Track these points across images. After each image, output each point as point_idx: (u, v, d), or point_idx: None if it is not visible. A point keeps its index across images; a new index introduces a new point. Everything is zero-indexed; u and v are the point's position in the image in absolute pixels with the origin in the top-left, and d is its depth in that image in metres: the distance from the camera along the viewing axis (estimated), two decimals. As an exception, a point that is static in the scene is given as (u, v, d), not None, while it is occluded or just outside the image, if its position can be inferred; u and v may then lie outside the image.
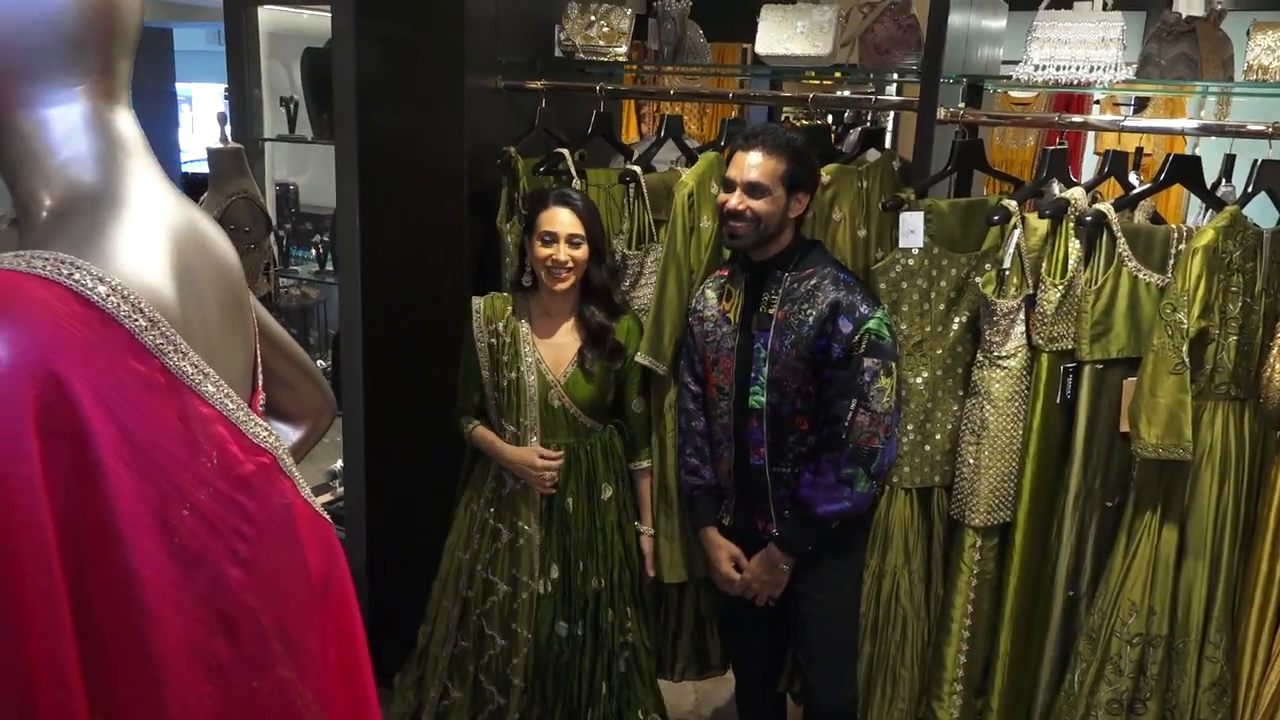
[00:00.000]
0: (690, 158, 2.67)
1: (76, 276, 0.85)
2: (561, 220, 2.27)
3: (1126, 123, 2.20)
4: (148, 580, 0.87)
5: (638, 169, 2.51)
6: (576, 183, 2.52)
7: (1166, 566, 2.11)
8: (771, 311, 2.16)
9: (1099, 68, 2.17)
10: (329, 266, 3.18)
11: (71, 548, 0.83)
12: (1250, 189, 2.08)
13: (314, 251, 3.30)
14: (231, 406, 0.97)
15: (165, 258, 0.93)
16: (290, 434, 1.34)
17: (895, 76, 2.95)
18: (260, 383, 1.15)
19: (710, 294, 2.30)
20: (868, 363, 2.07)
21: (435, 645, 2.51)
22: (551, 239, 2.27)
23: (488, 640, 2.42)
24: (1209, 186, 2.24)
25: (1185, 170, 2.14)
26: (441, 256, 2.68)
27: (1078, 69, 2.19)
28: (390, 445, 2.88)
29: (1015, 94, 4.22)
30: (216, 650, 0.95)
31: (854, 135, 2.84)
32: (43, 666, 0.79)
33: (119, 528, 0.86)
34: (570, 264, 2.27)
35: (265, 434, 1.01)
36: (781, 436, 2.18)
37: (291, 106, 3.09)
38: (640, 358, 2.37)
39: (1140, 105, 3.44)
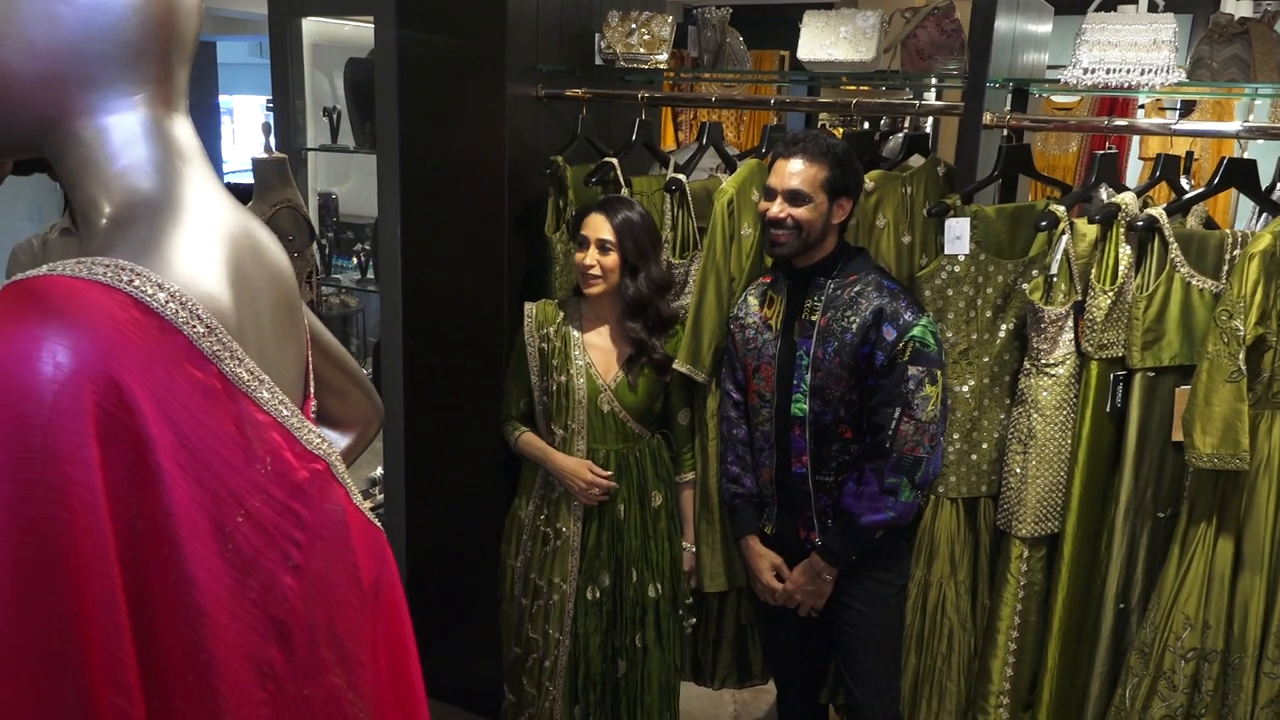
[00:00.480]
0: (730, 165, 2.66)
1: (137, 283, 0.85)
2: (595, 225, 2.29)
3: (1176, 126, 2.15)
4: (204, 586, 0.87)
5: (682, 177, 2.50)
6: (625, 192, 2.51)
7: (1222, 580, 2.06)
8: (814, 318, 2.14)
9: (1150, 70, 2.13)
10: (370, 275, 3.20)
11: (129, 553, 0.83)
12: (1308, 193, 2.03)
13: (355, 260, 3.32)
14: (286, 413, 0.97)
15: (222, 264, 0.93)
16: (339, 441, 1.34)
17: (934, 81, 2.92)
18: (312, 389, 1.15)
19: (753, 300, 2.29)
20: (912, 370, 2.05)
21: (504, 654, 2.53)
22: (584, 243, 2.30)
23: (532, 643, 2.43)
24: (1263, 190, 2.18)
25: (1240, 174, 2.09)
26: (482, 265, 2.68)
27: (1128, 72, 2.15)
28: (430, 453, 2.88)
29: (1058, 99, 4.16)
30: (270, 657, 0.95)
31: (896, 141, 2.81)
32: (103, 671, 0.79)
33: (176, 533, 0.86)
34: (597, 270, 2.27)
35: (318, 440, 1.01)
36: (824, 445, 2.16)
37: (334, 116, 3.12)
38: (678, 365, 2.35)
39: (1187, 109, 3.38)
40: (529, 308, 2.42)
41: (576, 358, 2.34)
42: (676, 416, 2.45)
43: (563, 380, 2.34)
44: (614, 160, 2.53)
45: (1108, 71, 2.17)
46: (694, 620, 2.54)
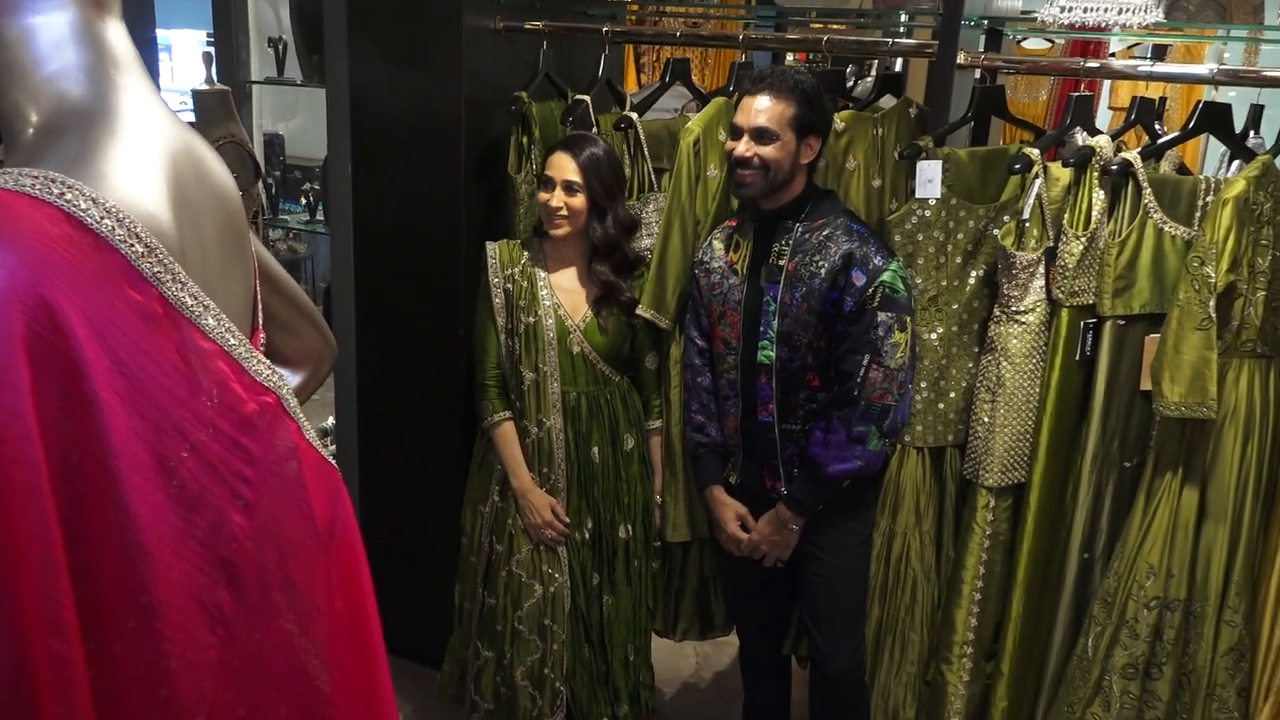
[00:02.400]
0: (701, 99, 2.61)
1: (69, 197, 0.80)
2: (561, 165, 2.25)
3: (1154, 69, 2.15)
4: (146, 523, 0.84)
5: (634, 115, 2.46)
6: (595, 130, 2.46)
7: (1186, 529, 2.09)
8: (781, 263, 2.12)
9: (1127, 10, 2.12)
10: (319, 217, 3.13)
11: (65, 486, 0.79)
12: (1284, 138, 2.04)
13: (303, 201, 3.24)
14: (233, 342, 0.93)
15: (162, 181, 0.89)
16: (290, 379, 1.30)
17: (905, 19, 2.90)
18: (260, 321, 1.11)
19: (718, 244, 2.26)
20: (881, 316, 2.04)
21: (467, 602, 2.51)
22: (549, 183, 2.26)
23: (525, 589, 2.38)
24: (1237, 135, 2.19)
25: (1215, 118, 2.10)
26: (438, 206, 2.62)
27: (1105, 11, 2.13)
28: (385, 403, 2.84)
29: (1028, 46, 4.16)
30: (219, 600, 0.92)
31: (869, 81, 2.78)
32: (36, 609, 0.75)
33: (115, 466, 0.82)
34: (564, 211, 2.25)
35: (268, 372, 0.97)
36: (791, 393, 2.15)
37: (280, 48, 3.02)
38: (642, 311, 2.33)
39: (1158, 55, 3.39)
40: (491, 248, 2.38)
41: (544, 298, 2.32)
42: (644, 362, 2.44)
43: (530, 321, 2.32)
44: (587, 98, 2.47)
45: (1085, 10, 2.15)
46: (659, 563, 2.55)
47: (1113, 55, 3.96)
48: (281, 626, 1.00)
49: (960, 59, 2.25)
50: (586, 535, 2.40)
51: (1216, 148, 2.25)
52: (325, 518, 1.04)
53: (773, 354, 2.13)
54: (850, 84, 3.08)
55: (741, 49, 2.62)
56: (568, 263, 2.36)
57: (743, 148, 2.09)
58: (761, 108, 2.07)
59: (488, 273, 2.37)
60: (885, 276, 2.05)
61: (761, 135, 2.07)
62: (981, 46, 2.45)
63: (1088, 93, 2.35)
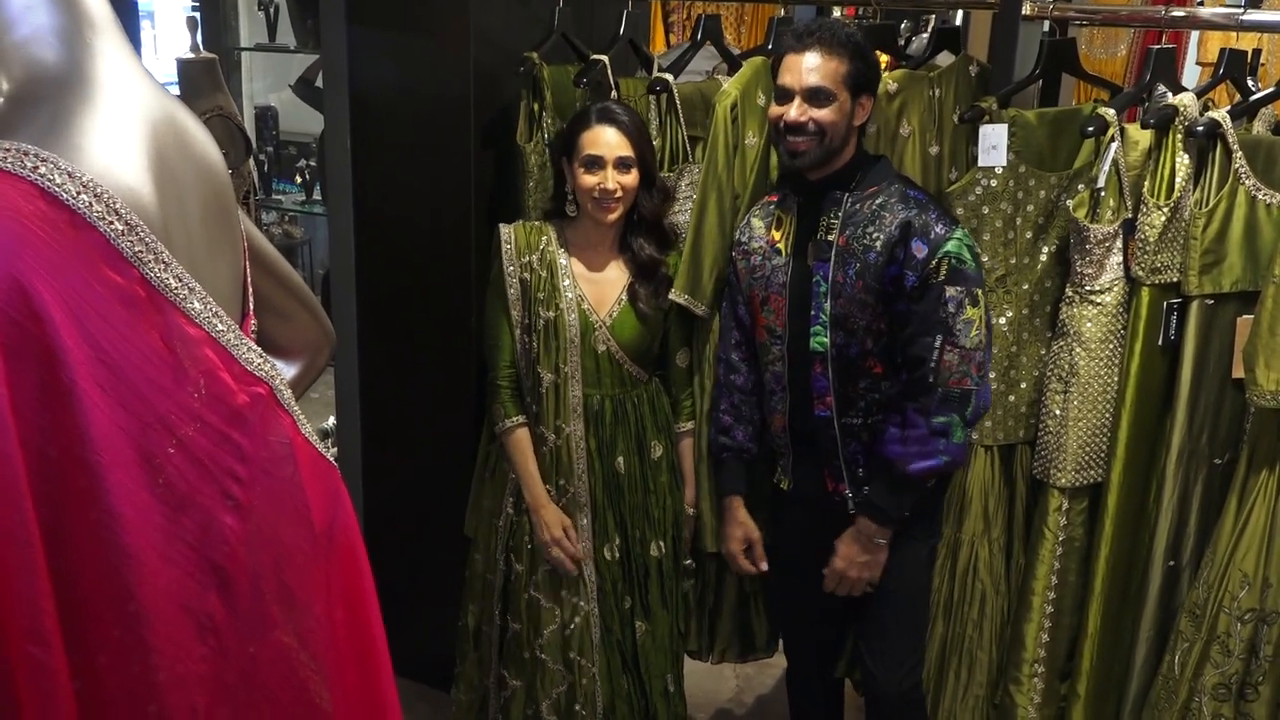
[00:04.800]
0: (733, 63, 2.61)
1: (43, 170, 0.82)
2: (608, 141, 2.19)
3: (1244, 17, 2.12)
4: (130, 523, 0.86)
5: (669, 77, 2.45)
6: (614, 94, 2.46)
7: (1285, 533, 2.07)
8: (831, 238, 2.08)
9: (1215, -49, 2.10)
10: (316, 196, 3.17)
11: (43, 484, 0.82)
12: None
13: (299, 180, 3.29)
14: (221, 328, 0.95)
15: (142, 153, 0.91)
16: (284, 370, 1.32)
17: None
18: (251, 307, 1.13)
19: (756, 223, 2.24)
20: (950, 291, 1.99)
21: (485, 624, 2.48)
22: (597, 164, 2.19)
23: (545, 614, 2.36)
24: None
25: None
26: (446, 182, 2.64)
27: (1190, -47, 2.11)
28: (389, 400, 2.87)
29: (1104, -6, 4.12)
30: (209, 607, 0.94)
31: (921, 41, 2.77)
32: (15, 614, 0.78)
33: (97, 463, 0.84)
34: (619, 192, 2.20)
35: (260, 361, 0.99)
36: (850, 383, 2.11)
37: (272, 11, 3.06)
38: (675, 295, 2.31)
39: (1253, 1, 3.33)
40: (505, 231, 2.32)
41: (566, 289, 2.27)
42: (675, 358, 2.40)
43: (550, 316, 2.27)
44: (605, 58, 2.48)
45: (1167, -48, 2.13)
46: (692, 582, 2.54)
47: (1200, 3, 3.91)
48: (278, 638, 1.02)
49: (1026, 9, 2.24)
50: (615, 554, 2.36)
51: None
52: (324, 520, 1.06)
53: (827, 340, 2.09)
54: (904, 40, 3.08)
55: (781, 3, 2.62)
56: (593, 247, 2.31)
57: (795, 112, 2.05)
58: (812, 65, 2.03)
59: (501, 259, 2.31)
60: (949, 246, 2.00)
61: (815, 96, 2.03)
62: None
63: (1171, 45, 2.33)
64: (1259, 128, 2.29)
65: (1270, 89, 2.19)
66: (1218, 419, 2.16)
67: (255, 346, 0.99)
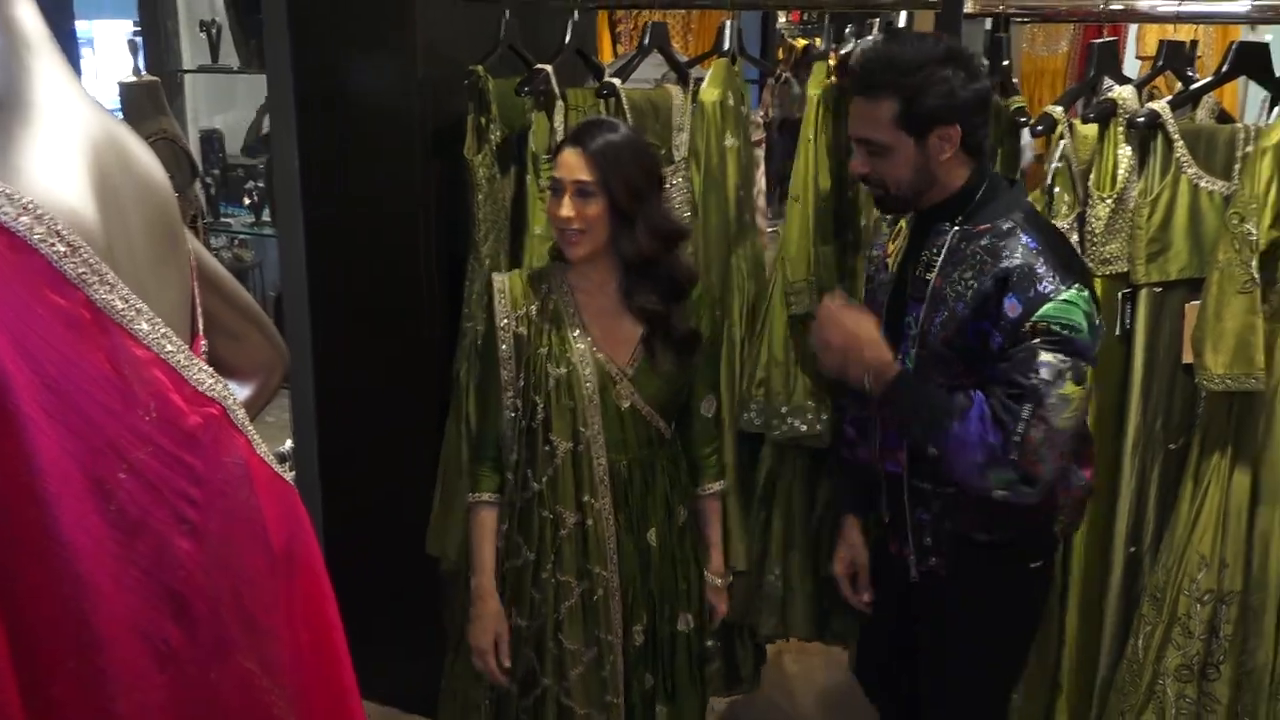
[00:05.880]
0: (680, 70, 2.62)
1: (-22, 193, 0.81)
2: (566, 163, 1.91)
3: (1182, 9, 2.17)
4: (83, 550, 0.84)
5: (616, 81, 2.46)
6: (560, 106, 2.46)
7: (1239, 514, 2.11)
8: (929, 276, 1.85)
9: (1148, -55, 2.14)
10: (266, 218, 3.14)
11: (-11, 515, 0.80)
12: (1326, 78, 2.06)
13: (247, 203, 3.25)
14: (171, 349, 0.94)
15: (83, 173, 0.90)
16: (237, 391, 1.30)
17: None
18: (201, 327, 1.12)
19: (885, 229, 2.06)
20: (1046, 356, 1.68)
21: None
22: (556, 189, 1.93)
23: (565, 712, 2.06)
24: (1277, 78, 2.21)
25: (1251, 59, 2.12)
26: (398, 199, 2.63)
27: (1124, -52, 2.16)
28: (347, 421, 2.84)
29: (1044, -7, 4.19)
30: (167, 634, 0.92)
31: (870, 39, 2.80)
32: (-36, 650, 0.76)
33: (44, 490, 0.82)
34: (578, 223, 1.89)
35: (211, 381, 0.98)
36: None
37: (213, 32, 3.03)
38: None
39: (1189, -4, 3.42)
40: (499, 282, 2.05)
41: (576, 340, 1.97)
42: (699, 405, 2.12)
43: (561, 373, 1.97)
44: (547, 68, 2.48)
45: (1102, -52, 2.17)
46: (718, 665, 2.38)
47: (1137, -1, 3.99)
48: (239, 663, 1.00)
49: (968, 7, 2.27)
50: (642, 636, 2.08)
51: (1257, 92, 2.27)
52: (282, 541, 1.04)
53: None
54: (849, 45, 3.10)
55: (729, 9, 2.64)
56: (603, 290, 2.00)
57: (855, 163, 1.88)
58: (858, 112, 1.83)
59: (494, 312, 2.03)
60: (1049, 308, 1.69)
61: (871, 148, 1.82)
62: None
63: (1112, 39, 2.37)
64: (1203, 115, 2.34)
65: (1209, 78, 2.23)
66: (1171, 404, 2.19)
67: (206, 367, 0.98)
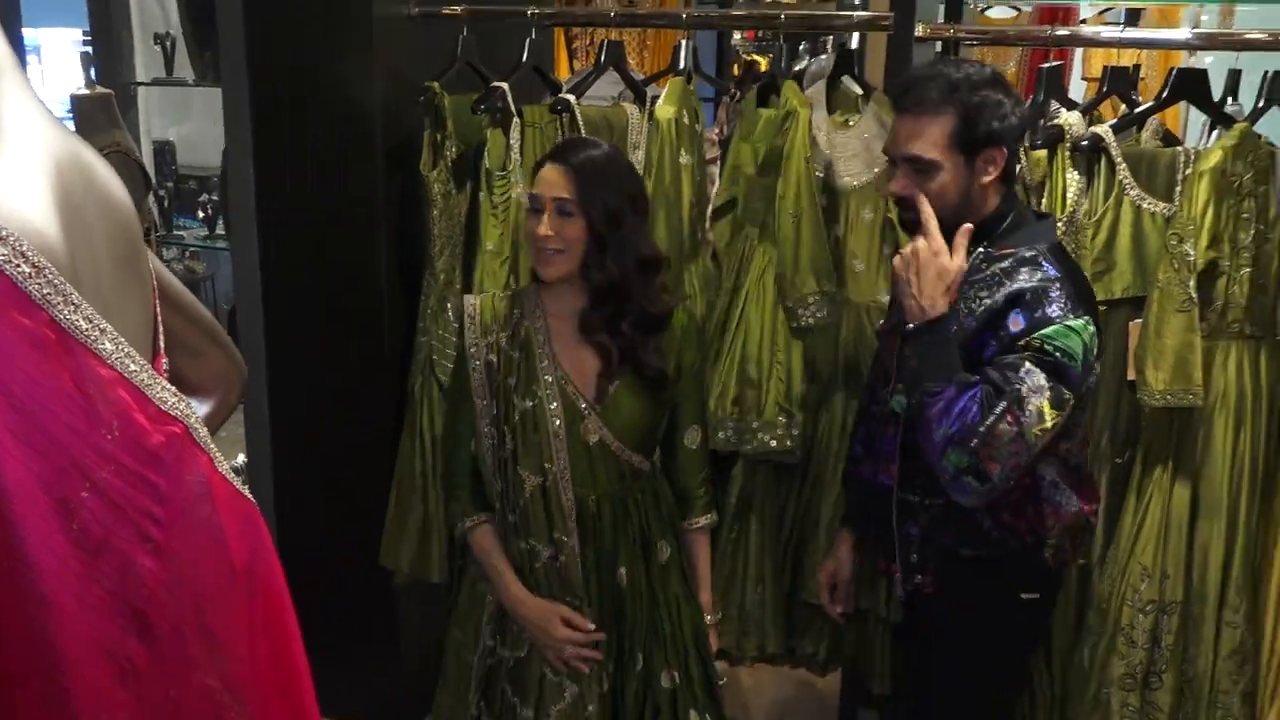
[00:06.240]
0: (635, 89, 2.66)
1: (-57, 214, 0.81)
2: (547, 179, 1.85)
3: (1126, 34, 2.24)
4: (47, 570, 0.85)
5: (571, 98, 2.49)
6: (515, 122, 2.48)
7: (1179, 526, 2.17)
8: None
9: (1092, -26, 2.21)
10: (219, 231, 3.13)
11: (-47, 535, 0.80)
12: (1260, 103, 2.14)
13: (200, 215, 3.24)
14: (134, 368, 0.95)
15: (47, 193, 0.90)
16: (197, 407, 1.31)
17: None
18: (162, 346, 1.12)
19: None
20: (1031, 369, 1.69)
21: None
22: (535, 205, 1.86)
23: None
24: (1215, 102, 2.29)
25: (1191, 85, 2.19)
26: (355, 214, 2.63)
27: (1069, -25, 2.22)
28: (302, 435, 2.83)
29: (993, 15, 4.28)
30: (130, 651, 0.93)
31: (823, 59, 2.85)
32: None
33: (9, 511, 0.83)
34: (557, 242, 1.82)
35: (174, 400, 0.99)
36: (916, 455, 1.87)
37: (168, 45, 3.01)
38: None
39: (1132, 20, 3.52)
40: (470, 304, 1.98)
41: (544, 370, 1.90)
42: (683, 438, 2.04)
43: (528, 406, 1.89)
44: (504, 85, 2.50)
45: (1048, -25, 2.24)
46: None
47: (1083, 22, 4.09)
48: (200, 680, 1.01)
49: (919, 31, 2.31)
50: (606, 685, 1.97)
51: (1199, 116, 2.35)
52: (244, 558, 1.05)
53: (905, 401, 1.87)
54: (803, 63, 3.15)
55: (685, 28, 2.67)
56: (569, 316, 1.92)
57: (896, 184, 1.84)
58: (907, 130, 1.80)
59: (464, 337, 1.97)
60: (1051, 330, 1.70)
61: (917, 166, 1.80)
62: (941, 17, 2.53)
63: (1058, 63, 2.44)
64: (1148, 137, 2.41)
65: (1151, 102, 2.30)
66: (1117, 419, 2.25)
67: (169, 386, 0.99)
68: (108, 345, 0.92)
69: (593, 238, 1.84)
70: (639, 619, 1.97)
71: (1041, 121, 2.37)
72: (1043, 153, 2.19)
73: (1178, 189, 2.16)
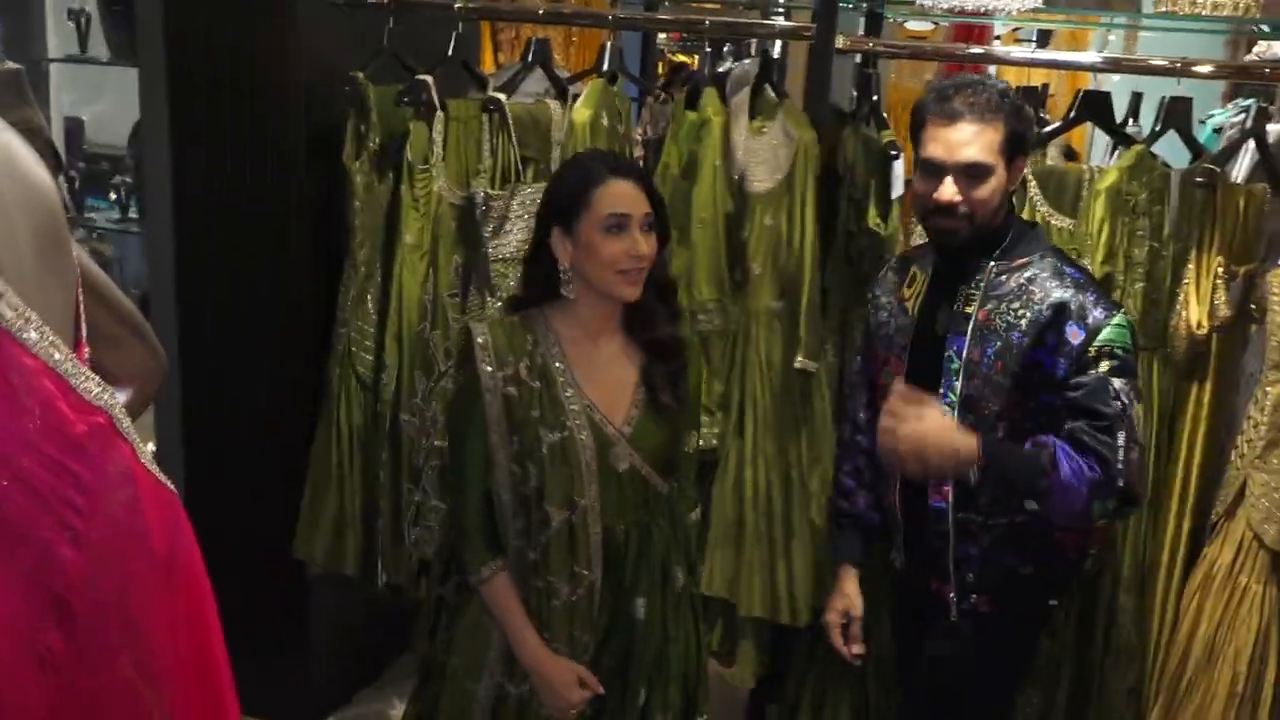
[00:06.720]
0: (560, 87, 2.68)
1: None
2: (634, 195, 1.79)
3: (1038, 55, 2.33)
4: (-34, 559, 0.85)
5: (502, 97, 2.51)
6: (439, 115, 2.49)
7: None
8: (970, 310, 1.91)
9: (1006, -6, 2.30)
10: (132, 214, 3.07)
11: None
12: (1158, 126, 2.25)
13: (113, 197, 3.17)
14: (59, 357, 0.95)
15: (-29, 180, 0.90)
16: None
17: (782, 2, 3.05)
18: (84, 335, 1.12)
19: (891, 276, 2.10)
20: (1117, 384, 1.79)
21: None
22: (621, 225, 1.76)
23: None
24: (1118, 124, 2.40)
25: (1095, 107, 2.29)
26: (275, 202, 2.61)
27: (984, -4, 2.31)
28: (213, 426, 2.80)
29: (912, 27, 4.38)
30: (50, 641, 0.94)
31: (746, 63, 2.91)
32: None
33: (-71, 498, 0.83)
34: (648, 260, 1.80)
35: (98, 390, 0.99)
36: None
37: (83, 22, 2.94)
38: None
39: (1043, 40, 3.64)
40: (479, 333, 1.84)
41: (570, 400, 1.82)
42: (683, 446, 2.03)
43: (556, 439, 1.80)
44: (428, 78, 2.50)
45: (964, -6, 2.32)
46: None
47: (997, 39, 4.23)
48: (120, 670, 1.02)
49: (839, 43, 2.38)
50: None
51: (1102, 137, 2.46)
52: (165, 548, 1.06)
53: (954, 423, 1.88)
54: (727, 65, 3.21)
55: (610, 28, 2.71)
56: (591, 337, 1.87)
57: (949, 193, 1.84)
58: (966, 138, 1.82)
59: (477, 370, 1.82)
60: (1108, 333, 1.81)
61: (973, 172, 1.83)
62: (861, 29, 2.61)
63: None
64: (1054, 153, 2.51)
65: (1058, 123, 2.40)
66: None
67: (93, 375, 0.99)
68: (32, 334, 0.92)
69: (662, 244, 1.85)
70: (648, 654, 1.91)
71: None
72: None
73: (1083, 205, 2.26)
